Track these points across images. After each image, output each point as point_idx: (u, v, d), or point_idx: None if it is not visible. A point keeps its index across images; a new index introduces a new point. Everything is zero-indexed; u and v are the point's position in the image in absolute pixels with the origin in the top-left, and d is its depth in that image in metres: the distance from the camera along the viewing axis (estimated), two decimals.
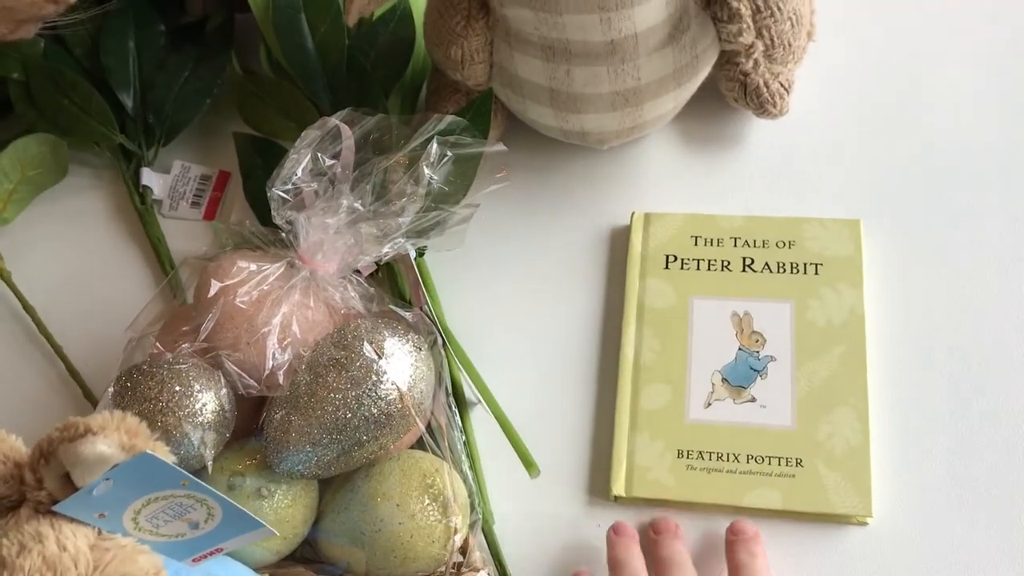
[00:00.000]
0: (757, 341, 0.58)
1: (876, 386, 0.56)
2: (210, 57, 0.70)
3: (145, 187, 0.69)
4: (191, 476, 0.38)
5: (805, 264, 0.60)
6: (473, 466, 0.56)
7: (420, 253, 0.60)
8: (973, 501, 0.53)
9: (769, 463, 0.54)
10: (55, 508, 0.37)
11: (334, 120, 0.52)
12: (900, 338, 0.58)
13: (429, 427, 0.52)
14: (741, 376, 0.57)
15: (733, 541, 0.52)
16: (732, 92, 0.63)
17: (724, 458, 0.55)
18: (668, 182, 0.65)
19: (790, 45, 0.57)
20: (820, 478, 0.54)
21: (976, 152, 0.63)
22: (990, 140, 0.63)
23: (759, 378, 0.57)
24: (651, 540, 0.53)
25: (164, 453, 0.37)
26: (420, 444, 0.52)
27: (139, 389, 0.48)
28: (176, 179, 0.70)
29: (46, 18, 0.59)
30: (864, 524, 0.53)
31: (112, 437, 0.35)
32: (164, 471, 0.37)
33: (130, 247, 0.68)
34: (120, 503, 0.37)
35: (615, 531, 0.53)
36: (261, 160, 0.66)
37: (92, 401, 0.61)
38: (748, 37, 0.55)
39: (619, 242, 0.64)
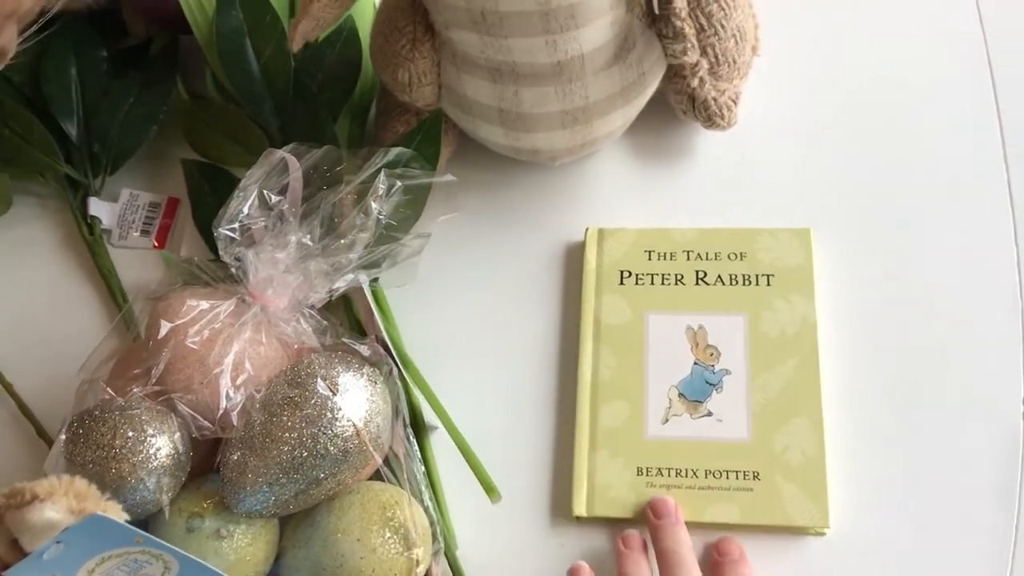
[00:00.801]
0: (712, 355, 0.58)
1: (830, 396, 0.57)
2: (155, 82, 0.69)
3: (93, 217, 0.67)
4: (144, 533, 0.37)
5: (757, 275, 0.60)
6: (435, 494, 0.56)
7: (374, 279, 0.60)
8: (927, 508, 0.54)
9: (727, 477, 0.55)
10: (5, 573, 0.36)
11: (280, 153, 0.51)
12: (852, 346, 0.59)
13: (387, 459, 0.52)
14: (697, 391, 0.58)
15: (719, 563, 0.52)
16: (681, 105, 0.63)
17: (683, 474, 0.56)
18: (621, 197, 0.66)
19: (735, 62, 0.57)
20: (777, 490, 0.54)
21: (923, 160, 0.64)
22: (936, 149, 0.64)
23: (715, 392, 0.57)
24: (651, 524, 0.53)
25: (115, 512, 0.37)
26: (379, 476, 0.52)
27: (91, 436, 0.48)
28: (124, 207, 0.69)
29: None
30: (822, 535, 0.54)
31: (60, 502, 0.34)
32: (116, 530, 0.37)
33: (80, 278, 0.67)
34: (73, 564, 0.37)
35: (624, 542, 0.53)
36: (210, 186, 0.65)
37: (45, 439, 0.60)
38: (693, 56, 0.56)
39: (574, 259, 0.64)
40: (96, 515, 0.35)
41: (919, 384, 0.57)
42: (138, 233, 0.68)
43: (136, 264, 0.67)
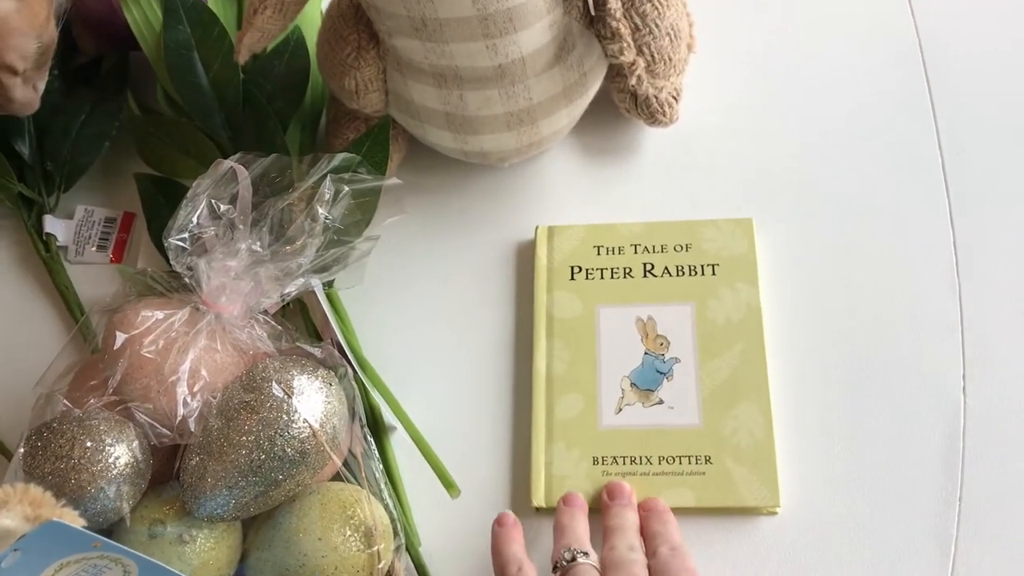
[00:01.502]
0: (662, 344, 0.60)
1: (776, 379, 0.58)
2: (106, 98, 0.70)
3: (49, 234, 0.68)
4: (102, 537, 0.38)
5: (703, 265, 0.62)
6: (396, 492, 0.57)
7: (329, 285, 0.61)
8: (874, 484, 0.56)
9: (680, 463, 0.57)
10: None
11: (228, 163, 0.52)
12: (797, 331, 0.60)
13: (346, 460, 0.53)
14: (648, 380, 0.59)
15: (645, 516, 0.54)
16: (624, 104, 0.65)
17: (637, 461, 0.57)
18: (569, 195, 0.67)
19: (671, 59, 0.59)
20: (729, 473, 0.56)
21: (859, 148, 0.66)
22: (872, 136, 0.66)
23: (666, 380, 0.59)
24: (603, 505, 0.55)
25: (72, 518, 0.38)
26: (339, 476, 0.53)
27: (50, 447, 0.48)
28: (80, 224, 0.69)
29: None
30: (774, 514, 0.56)
31: (15, 510, 0.35)
32: (73, 536, 0.37)
33: (37, 295, 0.68)
34: (32, 571, 0.38)
35: (564, 501, 0.55)
36: (164, 200, 0.66)
37: (5, 454, 0.61)
38: (629, 55, 0.57)
39: (525, 256, 0.65)
40: (52, 521, 0.36)
41: (863, 365, 0.59)
42: (94, 248, 0.69)
43: (93, 279, 0.68)
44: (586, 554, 0.50)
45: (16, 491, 0.36)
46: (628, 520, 0.54)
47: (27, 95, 0.59)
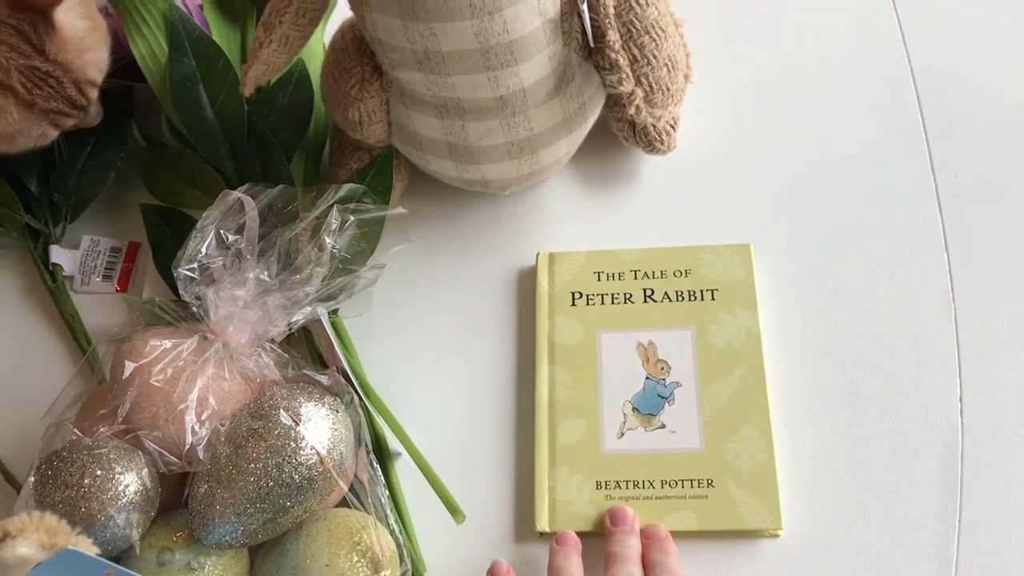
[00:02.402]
0: (663, 369, 0.61)
1: (776, 402, 0.59)
2: (111, 130, 0.71)
3: (55, 264, 0.69)
4: (115, 565, 0.39)
5: (702, 291, 0.63)
6: (401, 517, 0.57)
7: (334, 312, 0.61)
8: (874, 505, 0.56)
9: (682, 486, 0.57)
10: None
11: (236, 194, 0.53)
12: (796, 354, 0.61)
13: (352, 486, 0.53)
14: (650, 404, 0.60)
15: (646, 544, 0.55)
16: (622, 132, 0.66)
17: (640, 485, 0.58)
18: (569, 221, 0.68)
19: (668, 89, 0.60)
20: (731, 496, 0.56)
21: (854, 174, 0.67)
22: (867, 162, 0.67)
23: (667, 404, 0.60)
24: (607, 530, 0.55)
25: (86, 546, 0.38)
26: (345, 502, 0.54)
27: (60, 476, 0.49)
28: (86, 254, 0.70)
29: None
30: (776, 536, 0.56)
31: (32, 538, 0.35)
32: (88, 564, 0.38)
33: (43, 326, 0.69)
34: None
35: (557, 540, 0.55)
36: (169, 230, 0.67)
37: (14, 485, 0.61)
38: (628, 85, 0.58)
39: (526, 283, 0.66)
40: (68, 549, 0.36)
41: (861, 388, 0.60)
42: (100, 278, 0.69)
43: (99, 309, 0.68)
44: None
45: (32, 520, 0.36)
46: (630, 548, 0.54)
47: (99, 107, 0.64)
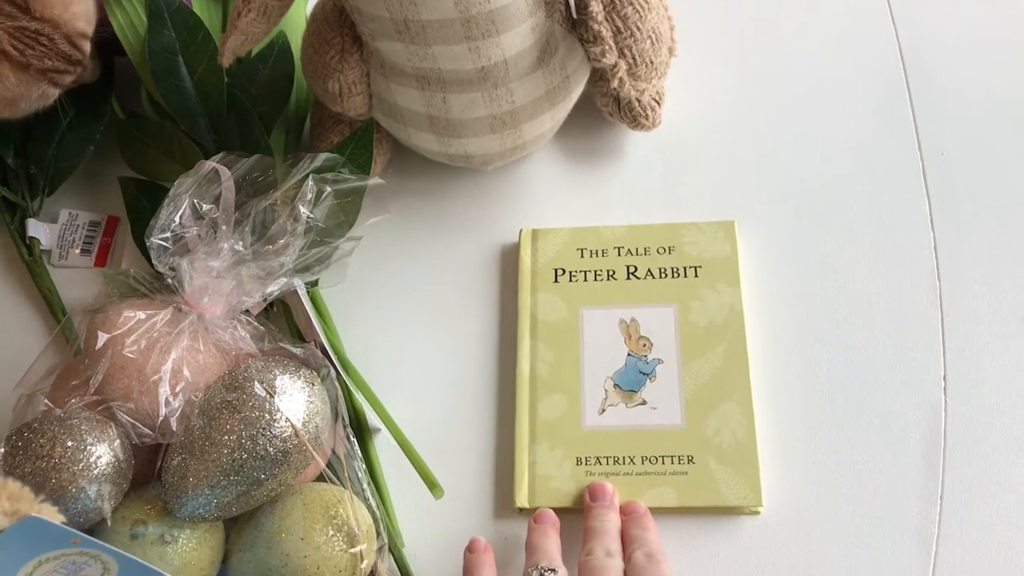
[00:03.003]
0: (644, 345, 0.60)
1: (758, 380, 0.59)
2: (91, 103, 0.70)
3: (32, 238, 0.68)
4: (81, 533, 0.38)
5: (685, 268, 0.62)
6: (379, 493, 0.57)
7: (312, 285, 0.61)
8: (856, 483, 0.56)
9: (663, 462, 0.57)
10: None
11: (210, 164, 0.52)
12: (778, 332, 0.61)
13: (329, 461, 0.53)
14: (631, 380, 0.59)
15: (626, 520, 0.54)
16: (607, 107, 0.65)
17: (620, 461, 0.57)
18: (553, 198, 0.67)
19: (652, 62, 0.59)
20: (711, 473, 0.56)
21: (840, 150, 0.67)
22: (853, 139, 0.67)
23: (648, 381, 0.59)
24: (586, 506, 0.55)
25: (51, 514, 0.37)
26: (322, 477, 0.53)
27: (31, 447, 0.48)
28: (64, 228, 0.69)
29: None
30: (756, 514, 0.56)
31: None
32: (52, 532, 0.37)
33: (20, 300, 0.68)
34: (10, 567, 0.37)
35: (535, 519, 0.54)
36: (148, 203, 0.66)
37: None
38: (611, 57, 0.58)
39: (509, 259, 0.66)
40: (31, 516, 0.36)
41: (844, 365, 0.59)
42: (78, 252, 0.69)
43: (77, 283, 0.68)
44: (554, 571, 0.50)
45: None
46: (609, 523, 0.54)
47: (96, 61, 0.63)
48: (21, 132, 0.69)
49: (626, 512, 0.55)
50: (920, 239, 0.63)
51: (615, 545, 0.52)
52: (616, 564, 0.50)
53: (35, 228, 0.68)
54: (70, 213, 0.70)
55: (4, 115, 0.61)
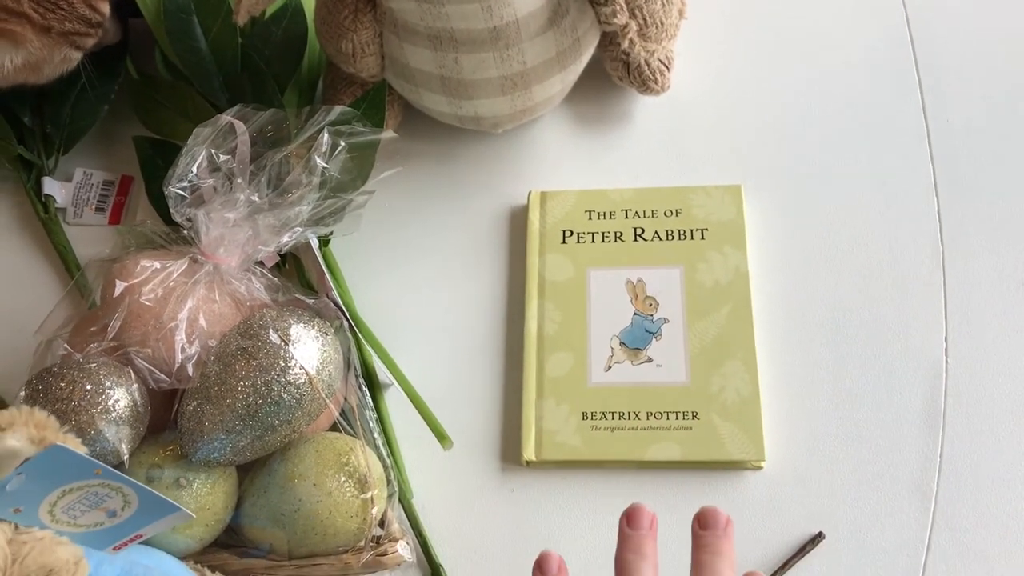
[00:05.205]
0: (651, 305, 0.61)
1: (762, 339, 0.60)
2: (105, 63, 0.70)
3: (47, 196, 0.69)
4: (104, 465, 0.39)
5: (692, 230, 0.63)
6: (389, 443, 0.58)
7: (325, 243, 0.62)
8: (857, 440, 0.57)
9: (667, 418, 0.58)
10: None
11: (227, 117, 0.53)
12: (782, 293, 0.62)
13: (342, 412, 0.54)
14: (637, 339, 0.60)
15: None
16: (616, 72, 0.66)
17: (625, 416, 0.58)
18: (562, 161, 0.68)
19: (662, 24, 0.60)
20: (715, 428, 0.57)
21: (846, 114, 0.67)
22: (859, 103, 0.67)
23: (654, 339, 0.60)
24: (695, 534, 0.42)
25: (75, 444, 0.38)
26: (335, 427, 0.54)
27: (50, 391, 0.49)
28: (79, 186, 0.70)
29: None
30: (759, 468, 0.57)
31: (21, 431, 0.36)
32: (76, 462, 0.38)
33: (36, 256, 0.69)
34: (35, 496, 0.39)
35: (629, 521, 0.42)
36: (162, 162, 0.66)
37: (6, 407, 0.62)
38: (622, 18, 0.58)
39: (518, 221, 0.66)
40: (56, 445, 0.37)
41: (847, 325, 0.60)
42: (93, 211, 0.69)
43: (91, 241, 0.68)
44: None
45: (22, 413, 0.37)
46: (726, 557, 0.41)
47: (116, 23, 0.64)
48: (37, 92, 0.69)
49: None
50: (924, 202, 0.64)
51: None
52: None
53: (50, 186, 0.69)
54: (85, 172, 0.70)
55: (29, 79, 0.62)
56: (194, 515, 0.44)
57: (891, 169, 0.65)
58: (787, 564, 0.54)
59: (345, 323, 0.56)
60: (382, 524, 0.53)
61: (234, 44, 0.66)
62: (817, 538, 0.55)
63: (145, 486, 0.41)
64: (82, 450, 0.38)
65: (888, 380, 0.59)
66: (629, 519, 0.42)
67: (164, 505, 0.42)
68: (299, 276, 0.63)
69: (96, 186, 0.70)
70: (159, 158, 0.67)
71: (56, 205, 0.69)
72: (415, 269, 0.66)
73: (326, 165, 0.52)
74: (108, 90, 0.70)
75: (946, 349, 0.59)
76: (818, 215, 0.64)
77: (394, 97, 0.67)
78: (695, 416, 0.58)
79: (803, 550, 0.55)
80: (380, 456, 0.54)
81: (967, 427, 0.57)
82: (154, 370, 0.50)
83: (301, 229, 0.53)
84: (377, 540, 0.53)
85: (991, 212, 0.63)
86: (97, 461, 0.38)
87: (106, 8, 0.62)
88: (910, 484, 0.56)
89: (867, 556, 0.54)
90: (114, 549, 0.43)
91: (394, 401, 0.60)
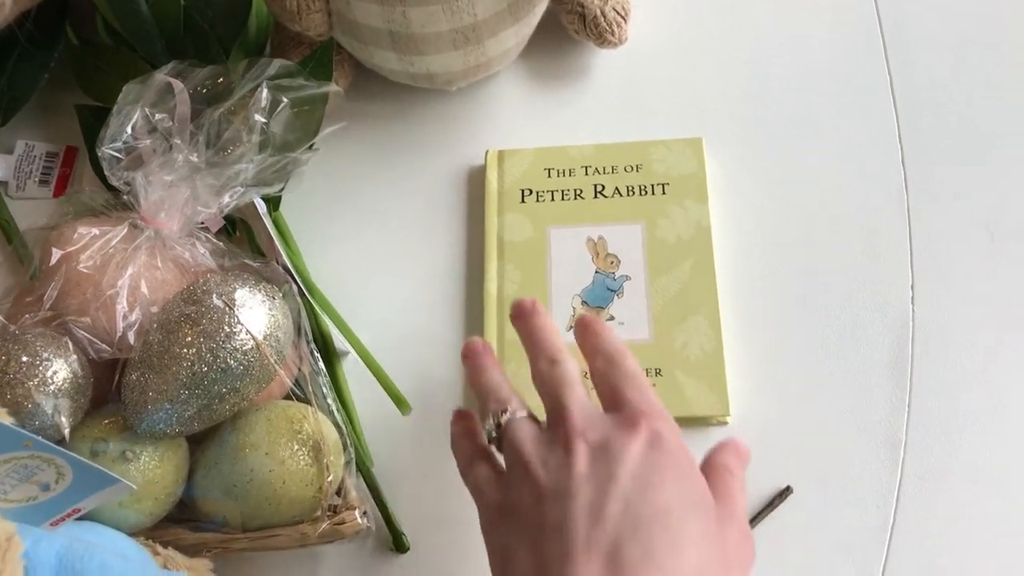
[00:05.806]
0: (612, 263, 0.60)
1: (725, 294, 0.58)
2: (44, 31, 0.68)
3: None
4: (34, 436, 0.37)
5: (653, 185, 0.62)
6: (347, 410, 0.56)
7: (275, 207, 0.60)
8: (824, 393, 0.56)
9: None
10: None
11: (161, 75, 0.51)
12: (745, 246, 0.60)
13: (295, 377, 0.52)
14: (599, 297, 0.59)
15: (577, 336, 0.48)
16: (572, 25, 0.64)
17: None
18: (519, 118, 0.66)
19: None
20: (679, 385, 0.56)
21: (809, 65, 0.66)
22: (821, 54, 0.66)
23: (616, 297, 0.59)
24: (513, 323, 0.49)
25: (2, 416, 0.37)
26: (288, 396, 0.52)
27: None
28: (20, 159, 0.68)
29: None
30: (724, 424, 0.56)
31: None
32: (4, 434, 0.36)
33: None
34: None
35: (464, 355, 0.49)
36: None
37: None
38: None
39: (476, 181, 0.65)
40: None
41: (812, 278, 0.59)
42: (36, 184, 0.67)
43: (36, 214, 0.66)
44: (508, 412, 0.45)
45: None
46: (542, 329, 0.47)
47: None
48: None
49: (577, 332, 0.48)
50: (888, 153, 0.62)
51: (560, 353, 0.46)
52: (566, 369, 0.45)
53: None
54: (26, 144, 0.68)
55: None
56: (135, 487, 0.42)
57: (854, 120, 0.64)
58: (756, 518, 0.53)
59: (295, 287, 0.54)
60: (340, 493, 0.52)
61: (176, 6, 0.63)
62: (785, 492, 0.54)
63: (80, 458, 0.39)
64: (8, 420, 0.37)
65: (854, 331, 0.57)
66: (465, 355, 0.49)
67: (101, 477, 0.40)
68: (250, 243, 0.61)
69: (39, 158, 0.68)
70: (102, 126, 0.65)
71: None
72: (372, 234, 0.64)
73: (265, 122, 0.50)
74: (47, 58, 0.67)
75: (912, 298, 0.58)
76: (780, 167, 0.63)
77: (344, 56, 0.65)
78: (659, 373, 0.56)
79: (771, 504, 0.54)
80: (336, 423, 0.52)
81: (935, 377, 0.56)
82: (94, 340, 0.48)
83: (243, 189, 0.51)
84: (335, 509, 0.51)
85: (956, 162, 0.62)
86: (26, 432, 0.37)
87: None
88: (878, 435, 0.55)
89: (836, 509, 0.53)
90: (52, 524, 0.41)
91: (352, 369, 0.59)
